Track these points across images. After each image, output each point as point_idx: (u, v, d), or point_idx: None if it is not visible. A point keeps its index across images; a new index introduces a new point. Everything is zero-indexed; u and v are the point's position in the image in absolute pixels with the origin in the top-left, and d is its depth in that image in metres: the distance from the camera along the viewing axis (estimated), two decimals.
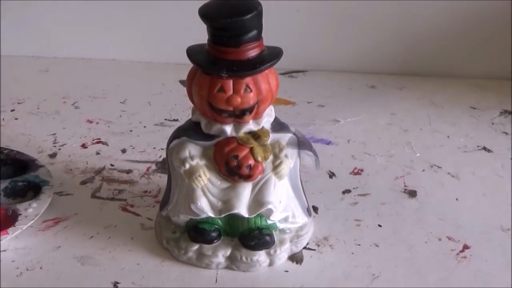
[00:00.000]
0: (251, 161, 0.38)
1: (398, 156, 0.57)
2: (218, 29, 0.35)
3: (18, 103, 0.69)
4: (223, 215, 0.39)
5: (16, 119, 0.65)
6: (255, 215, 0.39)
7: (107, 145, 0.59)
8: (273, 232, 0.41)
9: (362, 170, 0.54)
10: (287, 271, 0.40)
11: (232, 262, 0.40)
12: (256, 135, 0.38)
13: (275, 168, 0.39)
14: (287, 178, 0.40)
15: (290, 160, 0.40)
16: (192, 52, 0.36)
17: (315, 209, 0.47)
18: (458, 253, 0.42)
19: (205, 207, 0.38)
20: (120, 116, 0.64)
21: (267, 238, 0.40)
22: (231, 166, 0.38)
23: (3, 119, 0.65)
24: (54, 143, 0.59)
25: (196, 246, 0.40)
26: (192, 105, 0.39)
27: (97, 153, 0.57)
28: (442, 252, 0.42)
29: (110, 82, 0.74)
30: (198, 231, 0.40)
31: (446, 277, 0.39)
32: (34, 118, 0.65)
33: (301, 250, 0.42)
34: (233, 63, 0.35)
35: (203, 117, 0.38)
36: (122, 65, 0.79)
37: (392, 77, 0.80)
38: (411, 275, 0.40)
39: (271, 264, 0.40)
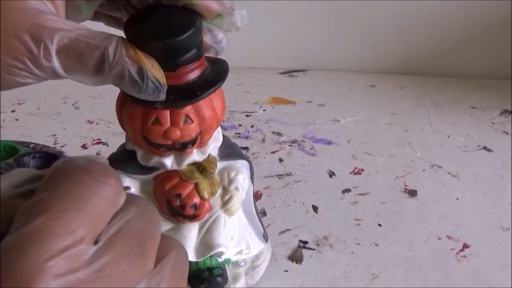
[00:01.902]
0: (197, 199, 0.33)
1: (398, 155, 0.57)
2: (147, 52, 0.27)
3: (19, 103, 0.70)
4: None
5: (17, 120, 0.65)
6: (203, 258, 0.34)
7: (108, 145, 0.59)
8: (226, 268, 0.37)
9: (362, 170, 0.54)
10: (287, 271, 0.40)
11: None
12: (201, 167, 0.33)
13: (225, 204, 0.34)
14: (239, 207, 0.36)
15: (242, 192, 0.35)
16: None
17: (315, 208, 0.47)
18: (458, 252, 0.42)
19: None
20: None
21: (218, 279, 0.35)
22: (174, 206, 0.33)
23: (3, 120, 0.65)
24: (54, 144, 0.59)
25: None
26: None
27: (98, 154, 0.57)
28: (442, 251, 0.42)
29: None
30: None
31: (446, 276, 0.39)
32: (34, 119, 0.65)
33: (301, 250, 0.42)
34: (169, 91, 0.28)
35: (138, 148, 0.33)
36: None
37: (393, 76, 0.80)
38: (411, 274, 0.40)
39: None
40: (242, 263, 0.37)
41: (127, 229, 0.19)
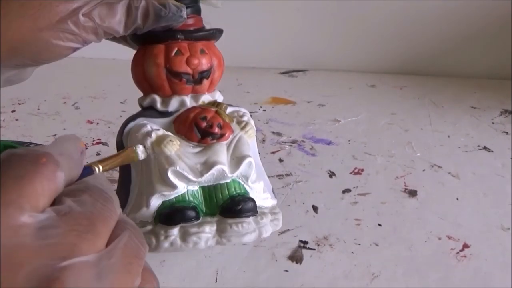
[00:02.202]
0: (221, 120, 0.38)
1: (399, 155, 0.57)
2: None
3: (19, 103, 0.70)
4: (205, 177, 0.36)
5: (17, 120, 0.65)
6: (237, 172, 0.37)
7: (108, 145, 0.59)
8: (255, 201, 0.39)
9: (362, 170, 0.54)
10: (287, 271, 0.40)
11: (221, 236, 0.36)
12: (215, 103, 0.39)
13: (244, 127, 0.39)
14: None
15: (253, 124, 0.40)
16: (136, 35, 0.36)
17: (315, 208, 0.47)
18: (458, 252, 0.42)
19: (184, 170, 0.35)
20: (121, 116, 0.64)
21: (252, 202, 0.38)
22: (202, 127, 0.37)
23: (3, 120, 0.65)
24: None
25: (176, 228, 0.36)
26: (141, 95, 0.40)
27: (98, 154, 0.57)
28: (442, 251, 0.42)
29: (110, 82, 0.74)
30: (176, 210, 0.36)
31: (446, 276, 0.39)
32: (34, 119, 0.65)
33: (301, 250, 0.42)
34: (187, 30, 0.37)
35: (157, 95, 0.38)
36: (122, 65, 0.79)
37: (393, 76, 0.81)
38: (411, 274, 0.40)
39: (260, 235, 0.37)
40: (263, 208, 0.40)
41: (77, 211, 0.21)
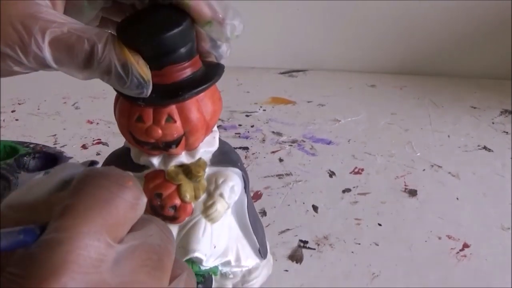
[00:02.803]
0: (177, 201, 0.32)
1: (399, 155, 0.57)
2: (136, 50, 0.28)
3: (19, 103, 0.70)
4: None
5: (17, 120, 0.65)
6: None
7: (108, 145, 0.59)
8: (212, 278, 0.36)
9: (362, 170, 0.54)
10: (287, 271, 0.40)
11: None
12: (187, 170, 0.32)
13: (206, 210, 0.33)
14: (233, 217, 0.36)
15: (228, 200, 0.34)
16: None
17: (315, 208, 0.47)
18: (458, 252, 0.42)
19: None
20: None
21: (199, 286, 0.34)
22: (154, 205, 0.32)
23: (3, 120, 0.65)
24: (54, 144, 0.59)
25: None
26: None
27: (98, 154, 0.57)
28: (442, 251, 0.42)
29: None
30: None
31: (446, 275, 0.39)
32: (34, 119, 0.65)
33: (301, 249, 0.42)
34: (154, 89, 0.28)
35: (131, 146, 0.33)
36: None
37: (392, 76, 0.80)
38: (411, 274, 0.40)
39: None
40: (231, 276, 0.36)
41: (148, 243, 0.19)
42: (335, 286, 0.39)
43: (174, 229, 0.33)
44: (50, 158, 0.50)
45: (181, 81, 0.30)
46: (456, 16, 0.79)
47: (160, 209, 0.32)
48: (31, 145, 0.51)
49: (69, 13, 0.29)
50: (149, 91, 0.28)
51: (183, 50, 0.29)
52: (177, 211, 0.33)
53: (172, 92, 0.29)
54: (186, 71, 0.30)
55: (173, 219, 0.33)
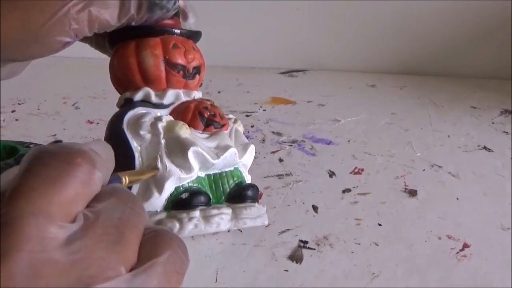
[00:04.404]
0: (219, 111, 0.40)
1: (399, 155, 0.57)
2: None
3: (19, 103, 0.70)
4: (220, 159, 0.37)
5: (17, 120, 0.65)
6: (243, 157, 0.40)
7: None
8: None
9: (362, 170, 0.54)
10: (286, 270, 0.40)
11: (237, 219, 0.39)
12: (205, 99, 0.41)
13: (235, 122, 0.42)
14: None
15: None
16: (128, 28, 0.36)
17: (315, 208, 0.47)
18: (458, 252, 0.42)
19: (204, 151, 0.36)
20: None
21: (255, 189, 0.41)
22: (206, 116, 0.38)
23: (3, 120, 0.65)
24: None
25: (198, 211, 0.37)
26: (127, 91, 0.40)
27: None
28: (442, 251, 0.42)
29: (110, 82, 0.74)
30: (195, 193, 0.37)
31: (446, 275, 0.39)
32: (34, 119, 0.65)
33: (301, 249, 0.42)
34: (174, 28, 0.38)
35: (150, 89, 0.38)
36: None
37: (393, 76, 0.81)
38: (411, 273, 0.40)
39: (263, 221, 0.41)
40: None
41: (105, 218, 0.19)
42: (335, 286, 0.38)
43: (227, 135, 0.39)
44: None
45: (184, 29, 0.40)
46: (456, 16, 0.79)
47: (213, 116, 0.39)
48: (31, 145, 0.51)
49: None
50: (178, 3, 0.35)
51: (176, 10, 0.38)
52: (223, 119, 0.40)
53: (191, 30, 0.40)
54: (179, 25, 0.40)
55: (223, 126, 0.39)
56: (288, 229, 0.44)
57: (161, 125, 0.36)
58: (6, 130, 0.62)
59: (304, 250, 0.42)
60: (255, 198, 0.40)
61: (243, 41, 0.84)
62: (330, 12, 0.81)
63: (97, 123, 0.64)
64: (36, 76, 0.78)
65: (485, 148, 0.59)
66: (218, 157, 0.37)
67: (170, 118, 0.38)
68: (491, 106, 0.70)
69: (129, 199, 0.21)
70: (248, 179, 0.42)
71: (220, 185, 0.39)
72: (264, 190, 0.50)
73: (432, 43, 0.82)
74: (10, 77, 0.34)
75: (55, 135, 0.61)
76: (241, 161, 0.40)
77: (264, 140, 0.61)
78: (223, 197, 0.39)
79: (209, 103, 0.40)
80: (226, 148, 0.38)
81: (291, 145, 0.59)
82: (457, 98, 0.73)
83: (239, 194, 0.40)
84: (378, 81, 0.79)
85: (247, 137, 0.61)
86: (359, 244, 0.43)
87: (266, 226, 0.44)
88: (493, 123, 0.65)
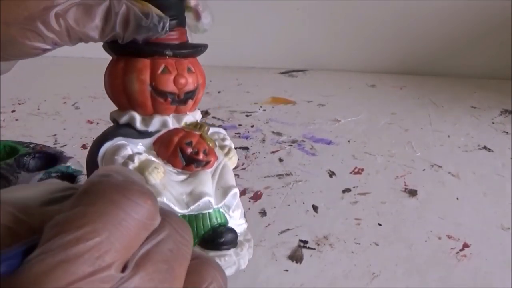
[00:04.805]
0: (206, 146, 0.35)
1: (399, 155, 0.57)
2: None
3: (19, 103, 0.70)
4: (190, 208, 0.34)
5: (17, 120, 0.65)
6: (222, 203, 0.36)
7: None
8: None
9: (362, 170, 0.54)
10: (286, 270, 0.40)
11: None
12: (197, 125, 0.36)
13: (228, 153, 0.37)
14: None
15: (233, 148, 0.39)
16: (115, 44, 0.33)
17: (315, 208, 0.47)
18: (458, 252, 0.42)
19: (170, 201, 0.34)
20: None
21: (233, 234, 0.36)
22: (188, 153, 0.35)
23: (3, 120, 0.65)
24: (54, 144, 0.59)
25: None
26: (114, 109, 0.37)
27: None
28: (442, 251, 0.42)
29: None
30: None
31: (446, 275, 0.39)
32: (34, 119, 0.65)
33: (301, 249, 0.42)
34: (173, 45, 0.34)
35: (136, 113, 0.35)
36: None
37: (393, 76, 0.81)
38: (411, 273, 0.40)
39: (238, 267, 0.37)
40: (239, 234, 0.38)
41: (157, 251, 0.17)
42: (335, 286, 0.38)
43: (208, 175, 0.36)
44: (50, 158, 0.50)
45: (186, 42, 0.35)
46: (456, 16, 0.79)
47: (195, 155, 0.35)
48: (31, 145, 0.51)
49: None
50: (167, 25, 0.32)
51: (182, 17, 0.35)
52: (208, 155, 0.36)
53: (189, 48, 0.35)
54: (186, 35, 0.35)
55: (206, 164, 0.36)
56: (288, 229, 0.44)
57: (132, 166, 0.33)
58: (6, 130, 0.62)
59: (304, 250, 0.42)
60: (231, 243, 0.36)
61: (243, 41, 0.84)
62: (330, 12, 0.81)
63: (97, 123, 0.64)
64: (36, 76, 0.78)
65: (485, 148, 0.59)
66: (188, 207, 0.34)
67: (145, 157, 0.34)
68: (491, 106, 0.70)
69: (181, 225, 0.19)
70: (233, 217, 0.38)
71: (195, 227, 0.36)
72: (264, 190, 0.50)
73: (432, 43, 0.82)
74: (1, 74, 0.33)
75: (55, 135, 0.61)
76: (218, 206, 0.36)
77: (264, 140, 0.61)
78: (197, 240, 0.36)
79: (198, 133, 0.36)
80: (199, 196, 0.34)
81: (291, 145, 0.59)
82: (457, 98, 0.73)
83: (213, 240, 0.36)
84: (378, 81, 0.79)
85: (247, 137, 0.61)
86: (359, 244, 0.43)
87: (266, 226, 0.44)
88: (493, 123, 0.65)
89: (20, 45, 0.28)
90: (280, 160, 0.56)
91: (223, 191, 0.36)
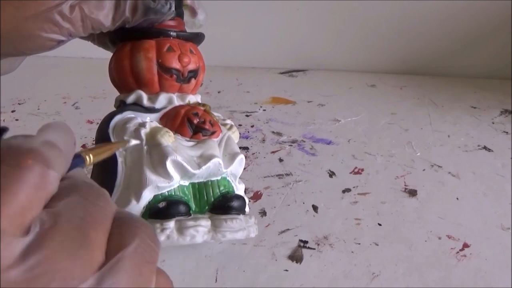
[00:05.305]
0: (211, 118, 0.39)
1: (399, 155, 0.57)
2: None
3: (19, 103, 0.70)
4: (202, 169, 0.36)
5: (17, 120, 0.65)
6: (230, 168, 0.38)
7: None
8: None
9: (362, 170, 0.54)
10: (286, 270, 0.40)
11: (216, 231, 0.36)
12: (200, 104, 0.40)
13: (231, 128, 0.41)
14: None
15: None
16: (125, 30, 0.36)
17: (315, 208, 0.47)
18: (458, 252, 0.42)
19: (184, 161, 0.35)
20: None
21: (242, 201, 0.38)
22: (195, 123, 0.37)
23: (3, 120, 0.65)
24: None
25: (172, 221, 0.35)
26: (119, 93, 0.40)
27: None
28: (442, 251, 0.42)
29: (110, 82, 0.74)
30: (171, 203, 0.35)
31: (446, 275, 0.39)
32: (34, 119, 0.65)
33: (301, 249, 0.42)
34: (174, 30, 0.38)
35: (143, 92, 0.38)
36: None
37: (392, 76, 0.81)
38: (411, 273, 0.40)
39: (248, 234, 0.38)
40: None
41: (65, 219, 0.17)
42: (335, 286, 0.39)
43: (215, 143, 0.38)
44: None
45: (186, 31, 0.39)
46: (456, 16, 0.79)
47: (202, 124, 0.38)
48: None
49: None
50: (174, 6, 0.35)
51: (180, 10, 0.39)
52: (214, 126, 0.38)
53: (191, 32, 0.39)
54: (183, 27, 0.40)
55: (212, 133, 0.38)
56: (288, 229, 0.44)
57: (144, 132, 0.35)
58: None
59: (304, 250, 0.42)
60: (241, 210, 0.38)
61: (243, 41, 0.84)
62: (330, 12, 0.81)
63: (97, 123, 0.63)
64: (36, 76, 0.78)
65: (485, 148, 0.59)
66: (200, 167, 0.36)
67: (156, 124, 0.37)
68: (491, 106, 0.70)
69: (90, 192, 0.19)
70: (239, 188, 0.40)
71: (205, 194, 0.37)
72: (264, 190, 0.50)
73: (432, 43, 0.82)
74: (4, 73, 0.33)
75: None
76: (226, 171, 0.38)
77: (264, 140, 0.61)
78: (207, 207, 0.37)
79: (202, 108, 0.39)
80: (209, 157, 0.36)
81: (291, 145, 0.59)
82: (457, 98, 0.73)
83: (223, 205, 0.37)
84: (378, 81, 0.79)
85: (247, 137, 0.61)
86: (359, 244, 0.43)
87: (266, 226, 0.44)
88: (493, 123, 0.65)
89: (36, 37, 0.29)
90: (280, 160, 0.56)
91: (230, 157, 0.38)
